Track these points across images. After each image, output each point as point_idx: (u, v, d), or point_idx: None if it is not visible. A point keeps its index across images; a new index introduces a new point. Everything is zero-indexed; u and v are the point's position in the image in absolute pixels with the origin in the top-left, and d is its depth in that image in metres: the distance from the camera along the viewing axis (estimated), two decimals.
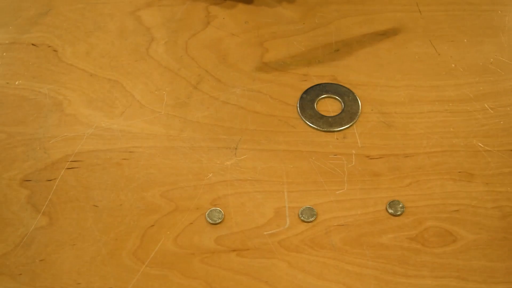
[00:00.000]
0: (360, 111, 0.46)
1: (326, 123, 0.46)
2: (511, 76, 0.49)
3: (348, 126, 0.46)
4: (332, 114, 0.47)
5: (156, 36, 0.52)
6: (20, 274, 0.39)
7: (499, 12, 0.54)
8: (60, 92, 0.48)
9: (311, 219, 0.40)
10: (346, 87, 0.48)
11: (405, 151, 0.44)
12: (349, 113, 0.46)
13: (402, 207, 0.41)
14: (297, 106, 0.47)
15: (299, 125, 0.46)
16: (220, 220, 0.41)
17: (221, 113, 0.47)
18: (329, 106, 0.47)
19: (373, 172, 0.43)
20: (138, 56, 0.51)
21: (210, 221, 0.41)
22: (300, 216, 0.41)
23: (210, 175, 0.43)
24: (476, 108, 0.47)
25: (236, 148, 0.44)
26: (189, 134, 0.45)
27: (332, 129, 0.45)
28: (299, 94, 0.48)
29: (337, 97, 0.48)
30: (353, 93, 0.48)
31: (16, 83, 0.49)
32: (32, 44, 0.52)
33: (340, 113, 0.47)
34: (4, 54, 0.51)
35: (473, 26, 0.53)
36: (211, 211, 0.41)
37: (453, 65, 0.50)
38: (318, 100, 0.47)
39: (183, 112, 0.47)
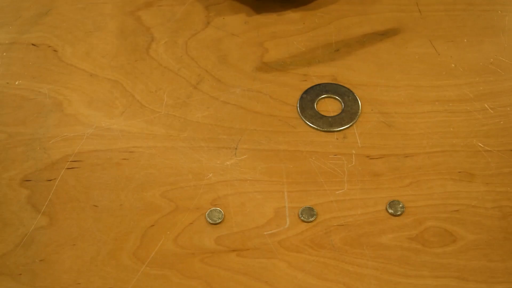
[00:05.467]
0: (360, 111, 0.46)
1: (326, 123, 0.46)
2: (511, 76, 0.49)
3: (348, 126, 0.46)
4: (332, 114, 0.47)
5: (156, 36, 0.52)
6: (20, 274, 0.39)
7: (499, 12, 0.54)
8: (60, 92, 0.48)
9: (311, 219, 0.40)
10: (346, 87, 0.48)
11: (405, 151, 0.44)
12: (349, 113, 0.46)
13: (402, 207, 0.41)
14: (297, 106, 0.47)
15: (299, 125, 0.46)
16: (220, 220, 0.41)
17: (221, 113, 0.47)
18: (329, 106, 0.47)
19: (373, 172, 0.43)
20: (138, 56, 0.51)
21: (210, 221, 0.41)
22: (300, 216, 0.41)
23: (210, 175, 0.43)
24: (476, 108, 0.47)
25: (236, 148, 0.44)
26: (189, 134, 0.45)
27: (332, 129, 0.45)
28: (299, 94, 0.48)
29: (337, 97, 0.48)
30: (353, 93, 0.48)
31: (16, 83, 0.49)
32: (32, 44, 0.52)
33: (340, 113, 0.47)
34: (4, 54, 0.51)
35: (473, 26, 0.52)
36: (211, 211, 0.41)
37: (453, 65, 0.50)
38: (318, 100, 0.47)
39: (183, 112, 0.47)
